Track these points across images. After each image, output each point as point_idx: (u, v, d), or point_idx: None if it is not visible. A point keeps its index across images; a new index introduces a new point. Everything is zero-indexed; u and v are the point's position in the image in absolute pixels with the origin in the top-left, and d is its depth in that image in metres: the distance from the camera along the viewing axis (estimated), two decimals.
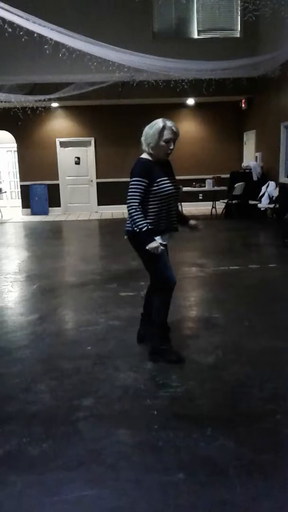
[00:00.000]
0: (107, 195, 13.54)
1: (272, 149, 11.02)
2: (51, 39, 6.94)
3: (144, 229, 3.09)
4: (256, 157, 12.02)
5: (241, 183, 11.15)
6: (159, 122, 3.16)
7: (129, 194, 3.15)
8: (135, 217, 3.12)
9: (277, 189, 10.18)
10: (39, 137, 13.22)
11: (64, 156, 13.51)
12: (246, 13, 8.11)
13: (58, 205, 13.68)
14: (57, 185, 13.58)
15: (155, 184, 3.15)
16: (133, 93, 11.13)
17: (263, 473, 2.17)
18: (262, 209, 10.50)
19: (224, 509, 1.98)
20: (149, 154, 3.23)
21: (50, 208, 13.56)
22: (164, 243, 3.26)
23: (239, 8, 10.84)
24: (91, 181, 13.70)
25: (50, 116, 13.07)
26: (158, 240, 3.18)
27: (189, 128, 13.02)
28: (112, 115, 12.94)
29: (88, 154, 13.55)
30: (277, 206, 9.95)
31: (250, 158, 12.51)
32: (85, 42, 7.24)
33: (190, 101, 12.65)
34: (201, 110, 12.89)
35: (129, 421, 2.63)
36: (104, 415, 2.70)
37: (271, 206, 10.16)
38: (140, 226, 3.10)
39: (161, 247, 3.14)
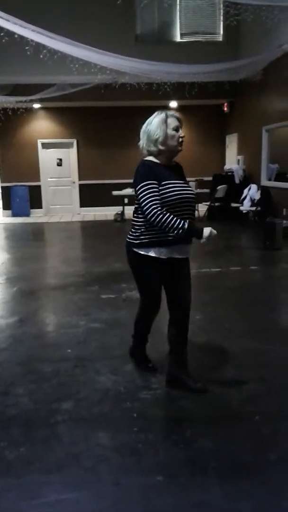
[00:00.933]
0: (89, 197, 13.51)
1: (254, 152, 11.13)
2: (32, 40, 6.90)
3: (186, 225, 2.63)
4: (238, 160, 12.12)
5: (224, 185, 11.23)
6: (158, 114, 2.78)
7: (144, 202, 2.69)
8: (167, 221, 2.63)
9: (259, 192, 10.28)
10: (21, 138, 13.11)
11: (46, 158, 13.43)
12: (228, 17, 8.18)
13: (40, 206, 13.58)
14: (39, 186, 13.49)
15: (162, 187, 2.70)
16: (116, 95, 11.13)
17: (243, 474, 2.18)
18: (244, 211, 10.58)
19: (203, 510, 1.98)
20: (158, 154, 2.79)
21: (31, 210, 13.45)
22: (176, 257, 2.82)
23: (221, 13, 10.93)
24: (73, 182, 13.64)
25: (31, 117, 12.98)
26: (163, 251, 2.77)
27: None
28: (95, 116, 12.92)
29: (70, 155, 13.49)
30: (259, 208, 10.04)
31: (232, 161, 12.62)
32: (67, 43, 7.23)
33: (173, 104, 12.69)
34: (184, 113, 12.76)
35: (108, 424, 2.61)
36: (84, 418, 2.68)
37: (253, 208, 10.25)
38: (179, 227, 2.63)
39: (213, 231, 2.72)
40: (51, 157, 13.44)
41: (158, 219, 2.64)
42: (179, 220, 2.63)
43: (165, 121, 2.73)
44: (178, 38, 11.73)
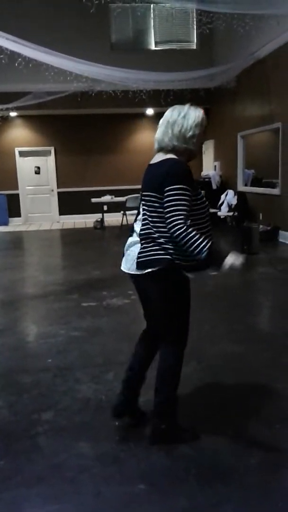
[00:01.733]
0: (68, 205, 13.48)
1: (230, 158, 11.27)
2: (7, 49, 6.89)
3: (209, 246, 2.15)
4: (215, 166, 12.26)
5: (201, 191, 11.31)
6: (194, 110, 2.34)
7: (174, 208, 2.17)
8: (194, 239, 2.13)
9: (236, 197, 10.41)
10: None
11: (24, 166, 13.36)
12: (201, 25, 8.30)
13: (19, 215, 13.49)
14: (17, 195, 13.40)
15: (194, 198, 2.29)
16: (92, 103, 11.17)
17: (224, 479, 2.20)
18: (221, 217, 10.70)
19: None
20: (181, 154, 2.33)
21: (10, 218, 13.35)
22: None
23: (194, 21, 11.07)
24: (52, 190, 13.59)
25: (8, 126, 12.91)
26: (190, 276, 2.36)
27: (148, 138, 13.12)
28: (72, 124, 12.93)
29: (48, 163, 13.45)
30: (236, 213, 10.17)
31: (209, 167, 12.75)
32: (42, 52, 7.23)
33: (149, 111, 12.78)
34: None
35: (89, 433, 2.60)
36: (65, 428, 2.66)
37: (230, 214, 10.37)
38: (205, 246, 2.14)
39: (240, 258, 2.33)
40: (29, 165, 13.38)
41: (184, 234, 2.13)
42: (205, 240, 2.16)
43: (202, 121, 2.34)
44: (153, 46, 11.85)
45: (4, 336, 4.25)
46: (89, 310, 4.90)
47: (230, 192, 10.64)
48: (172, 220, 2.16)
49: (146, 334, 2.61)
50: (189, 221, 2.18)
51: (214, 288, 5.68)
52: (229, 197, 10.56)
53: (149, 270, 2.28)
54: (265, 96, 9.10)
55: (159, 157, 2.35)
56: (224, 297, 5.33)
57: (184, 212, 2.17)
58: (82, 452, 2.44)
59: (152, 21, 11.67)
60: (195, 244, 2.14)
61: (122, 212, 11.06)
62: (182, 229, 2.14)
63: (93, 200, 11.97)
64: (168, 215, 2.19)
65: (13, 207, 13.35)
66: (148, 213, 2.32)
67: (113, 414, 2.63)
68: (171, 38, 11.87)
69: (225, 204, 10.55)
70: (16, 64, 7.61)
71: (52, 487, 2.18)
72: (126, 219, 10.82)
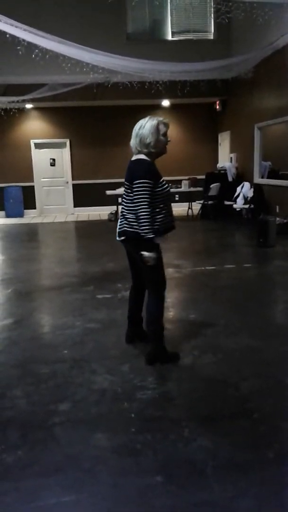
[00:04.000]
0: (83, 197, 13.49)
1: (246, 150, 11.15)
2: (24, 40, 6.87)
3: (152, 236, 3.06)
4: (231, 158, 12.14)
5: (217, 184, 11.24)
6: (150, 121, 3.16)
7: (139, 197, 3.07)
8: (146, 222, 3.05)
9: (252, 189, 10.30)
10: (13, 138, 13.07)
11: (39, 158, 13.39)
12: (219, 15, 8.17)
13: (34, 207, 13.54)
14: (32, 187, 13.45)
15: (160, 185, 3.14)
16: (108, 94, 11.12)
17: (241, 472, 2.18)
18: (237, 209, 10.60)
19: (203, 510, 1.97)
20: (148, 154, 3.18)
21: (25, 210, 13.42)
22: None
23: (212, 10, 10.93)
24: (67, 182, 13.61)
25: (24, 118, 12.93)
26: (160, 239, 3.19)
27: None
28: (87, 116, 12.90)
29: (64, 155, 13.45)
30: (252, 206, 10.07)
31: (225, 159, 12.63)
32: (59, 43, 7.20)
33: (165, 103, 12.69)
34: (176, 112, 12.93)
35: (106, 425, 2.61)
36: (81, 420, 2.67)
37: (246, 206, 10.27)
38: (149, 232, 3.05)
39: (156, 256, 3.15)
40: (44, 157, 13.40)
41: (144, 215, 3.04)
42: (152, 229, 3.06)
43: (157, 128, 3.12)
44: (169, 37, 11.73)
45: (21, 327, 4.28)
46: (104, 302, 4.91)
47: (246, 184, 10.53)
48: (139, 205, 3.06)
49: (132, 289, 3.65)
50: (148, 207, 3.05)
51: (229, 281, 5.65)
52: (245, 190, 10.45)
53: (122, 238, 3.30)
54: (283, 87, 8.96)
55: (134, 157, 3.25)
56: (240, 290, 5.29)
57: (147, 199, 3.05)
58: (99, 443, 2.44)
59: (169, 11, 11.54)
60: (146, 227, 3.05)
61: None
62: (144, 213, 3.05)
63: (108, 192, 11.95)
64: (136, 201, 3.08)
65: (28, 199, 13.41)
66: (124, 198, 3.28)
67: (126, 341, 3.71)
68: (188, 28, 11.72)
69: (241, 197, 10.45)
70: (33, 56, 7.59)
71: (69, 478, 2.19)
72: None
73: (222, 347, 3.63)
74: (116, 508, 2.01)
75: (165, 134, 3.18)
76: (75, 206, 13.68)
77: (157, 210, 3.14)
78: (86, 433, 2.54)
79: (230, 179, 11.35)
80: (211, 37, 11.75)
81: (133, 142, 3.21)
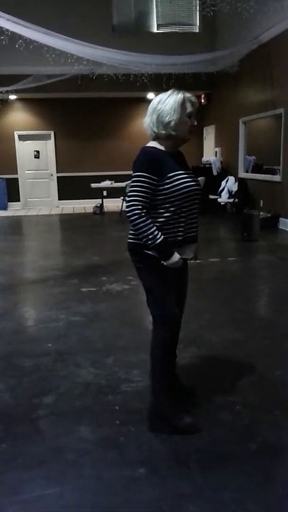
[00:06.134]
0: (68, 190, 13.41)
1: (231, 144, 11.19)
2: (7, 30, 6.77)
3: (158, 241, 2.28)
4: (216, 152, 12.18)
5: (202, 178, 11.24)
6: (173, 95, 2.34)
7: (130, 195, 2.33)
8: (141, 225, 2.28)
9: (236, 183, 10.35)
10: None
11: (23, 150, 13.26)
12: (204, 8, 8.17)
13: (18, 199, 13.43)
14: (16, 179, 13.32)
15: (167, 181, 2.31)
16: (93, 86, 11.04)
17: (224, 464, 2.21)
18: (222, 203, 10.66)
19: (186, 502, 1.99)
20: (167, 137, 2.38)
21: (9, 203, 13.29)
22: (184, 257, 2.50)
23: (198, 3, 10.91)
24: (51, 175, 13.51)
25: (8, 109, 12.78)
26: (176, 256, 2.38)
27: None
28: (72, 108, 12.80)
29: (48, 147, 13.34)
30: (237, 200, 10.12)
31: (210, 153, 12.66)
32: (43, 33, 7.11)
33: (150, 96, 12.63)
34: None
35: (90, 418, 2.61)
36: (65, 412, 2.67)
37: (231, 200, 10.32)
38: (151, 237, 2.28)
39: (181, 260, 2.41)
40: (28, 149, 13.27)
41: (135, 219, 2.28)
42: (155, 231, 2.28)
43: (182, 104, 2.33)
44: (155, 29, 11.67)
45: (4, 320, 4.25)
46: (88, 295, 4.90)
47: (231, 179, 10.58)
48: (130, 208, 2.31)
49: (178, 320, 2.63)
50: (145, 209, 2.30)
51: (213, 275, 5.68)
52: (229, 184, 10.50)
53: (128, 252, 2.51)
54: (268, 81, 8.99)
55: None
56: (224, 284, 5.32)
57: (141, 199, 2.30)
58: (83, 436, 2.45)
59: (154, 3, 11.48)
60: (143, 232, 2.29)
61: (121, 197, 11.00)
62: (134, 216, 2.29)
63: (93, 185, 11.91)
64: (127, 201, 2.35)
65: (12, 192, 13.28)
66: None
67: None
68: (173, 21, 11.69)
69: (225, 191, 10.50)
70: (17, 46, 7.50)
71: (53, 470, 2.19)
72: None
73: (206, 341, 3.65)
74: (99, 500, 2.01)
75: (191, 115, 2.36)
76: (59, 199, 13.60)
77: (164, 216, 2.36)
78: (70, 425, 2.54)
79: (215, 173, 11.38)
80: (197, 30, 11.73)
81: (147, 121, 2.41)
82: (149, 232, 2.28)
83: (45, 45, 7.66)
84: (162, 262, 2.35)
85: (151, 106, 2.38)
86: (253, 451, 2.30)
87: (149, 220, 2.29)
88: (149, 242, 2.29)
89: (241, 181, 10.31)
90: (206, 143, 13.25)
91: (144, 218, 2.28)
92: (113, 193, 12.22)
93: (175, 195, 2.32)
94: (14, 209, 13.15)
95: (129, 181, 2.43)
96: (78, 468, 2.20)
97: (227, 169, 11.37)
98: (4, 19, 6.38)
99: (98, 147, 13.04)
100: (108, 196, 12.42)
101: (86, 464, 2.23)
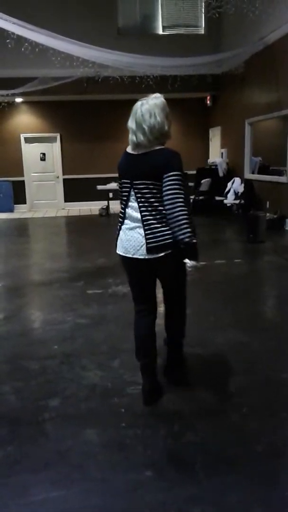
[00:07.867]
0: (74, 192, 13.43)
1: (237, 145, 11.16)
2: (13, 33, 6.80)
3: (195, 240, 2.47)
4: (222, 153, 12.15)
5: (207, 179, 11.25)
6: (154, 102, 2.52)
7: (176, 191, 2.41)
8: (188, 222, 2.42)
9: (242, 185, 10.32)
10: (3, 132, 12.96)
11: (29, 152, 13.30)
12: (210, 9, 8.17)
13: (24, 202, 13.47)
14: (23, 181, 13.36)
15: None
16: (98, 88, 11.05)
17: (230, 467, 2.20)
18: (228, 205, 10.63)
19: (192, 504, 1.99)
20: (161, 142, 2.55)
21: (15, 205, 13.33)
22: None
23: (203, 5, 10.90)
24: (57, 177, 13.54)
25: (14, 112, 12.83)
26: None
27: None
28: (78, 110, 12.83)
29: (54, 150, 13.38)
30: (243, 201, 10.09)
31: (216, 154, 12.64)
32: (49, 36, 7.14)
33: None
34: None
35: (96, 420, 2.61)
36: (71, 415, 2.67)
37: (237, 201, 10.29)
38: (192, 234, 2.46)
39: None
40: (34, 152, 13.32)
41: (185, 214, 2.41)
42: (191, 230, 2.46)
43: (166, 108, 2.52)
44: (160, 31, 11.68)
45: (10, 322, 4.26)
46: (94, 298, 4.90)
47: (237, 180, 10.55)
48: (179, 204, 2.42)
49: (146, 316, 2.81)
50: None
51: (219, 277, 5.67)
52: (235, 185, 10.47)
53: (162, 254, 2.52)
54: (273, 82, 8.97)
55: (151, 148, 2.50)
56: (230, 286, 5.31)
57: (184, 195, 2.46)
58: (89, 438, 2.45)
59: (159, 5, 11.49)
60: (188, 228, 2.43)
61: None
62: (184, 212, 2.43)
63: (99, 187, 11.92)
64: (174, 197, 2.42)
65: (19, 194, 13.32)
66: (147, 200, 2.51)
67: (147, 403, 2.80)
68: (178, 22, 11.69)
69: (231, 192, 10.47)
70: (23, 49, 7.52)
71: (59, 473, 2.19)
72: None
73: (212, 342, 3.64)
74: (105, 504, 2.01)
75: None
76: (65, 201, 13.62)
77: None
78: (76, 428, 2.54)
79: (220, 174, 11.36)
80: (202, 32, 11.72)
81: (140, 137, 2.48)
82: (192, 229, 2.47)
83: (51, 48, 7.68)
84: (189, 261, 2.50)
85: (138, 122, 2.49)
86: (259, 454, 2.29)
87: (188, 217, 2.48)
88: (194, 238, 2.48)
89: (247, 182, 10.28)
90: (212, 144, 13.24)
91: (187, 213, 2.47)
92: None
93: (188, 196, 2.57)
94: (20, 212, 13.19)
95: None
96: (84, 471, 2.20)
97: (233, 170, 11.34)
98: (10, 22, 6.41)
99: (103, 149, 13.04)
100: (114, 198, 12.41)
101: (92, 467, 2.23)
